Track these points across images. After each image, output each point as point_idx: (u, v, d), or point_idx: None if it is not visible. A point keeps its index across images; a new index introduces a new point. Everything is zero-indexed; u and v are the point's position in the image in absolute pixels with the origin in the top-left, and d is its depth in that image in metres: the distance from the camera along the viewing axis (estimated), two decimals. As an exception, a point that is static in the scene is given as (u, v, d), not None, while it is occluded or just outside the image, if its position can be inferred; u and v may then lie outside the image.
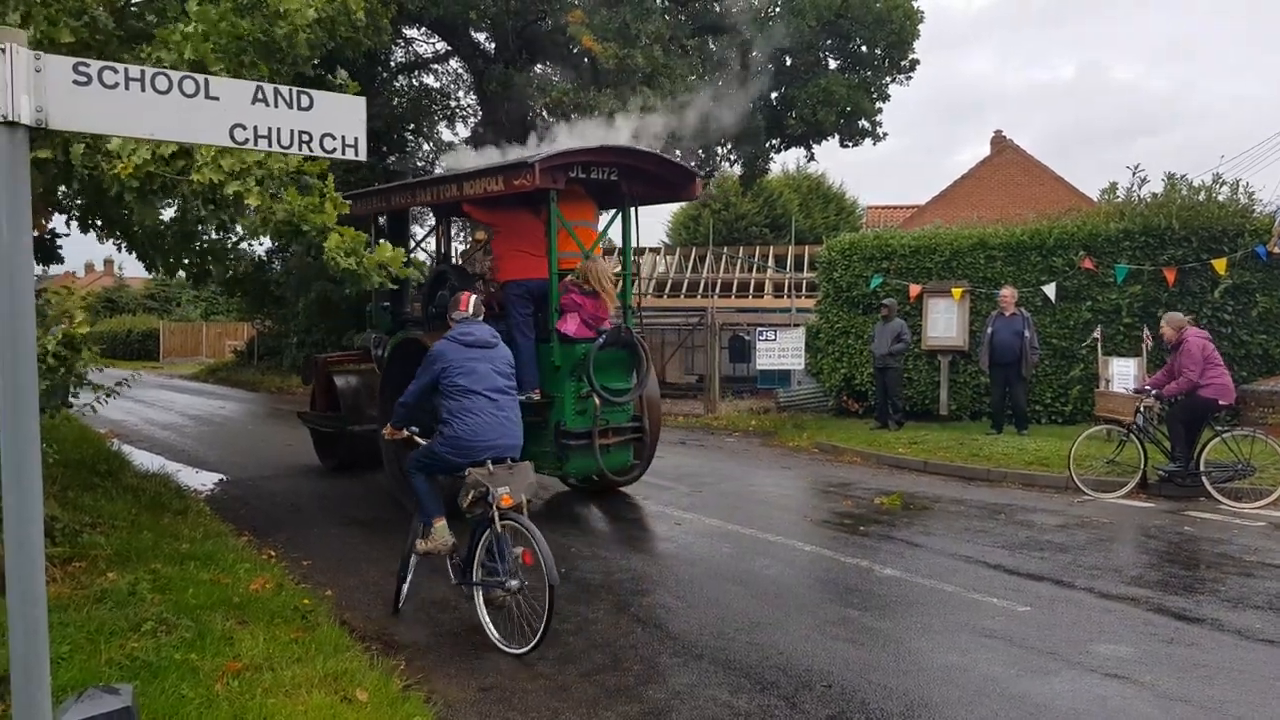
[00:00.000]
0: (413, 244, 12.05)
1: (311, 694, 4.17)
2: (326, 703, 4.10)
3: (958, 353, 14.53)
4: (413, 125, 21.87)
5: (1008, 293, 13.26)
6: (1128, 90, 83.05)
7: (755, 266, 24.64)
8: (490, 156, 10.73)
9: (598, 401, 8.46)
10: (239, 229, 6.23)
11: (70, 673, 4.09)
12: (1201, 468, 9.21)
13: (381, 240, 6.02)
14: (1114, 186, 15.23)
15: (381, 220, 11.53)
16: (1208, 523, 8.40)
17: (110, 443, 11.59)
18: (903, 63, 21.25)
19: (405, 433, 5.82)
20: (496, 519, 5.25)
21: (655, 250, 27.43)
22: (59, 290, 6.22)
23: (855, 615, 5.73)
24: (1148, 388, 9.62)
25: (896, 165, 73.24)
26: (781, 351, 16.41)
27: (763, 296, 23.12)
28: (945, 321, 14.61)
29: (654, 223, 77.63)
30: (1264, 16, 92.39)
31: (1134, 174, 14.78)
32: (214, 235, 6.75)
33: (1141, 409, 9.45)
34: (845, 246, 15.79)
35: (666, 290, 23.92)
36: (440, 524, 5.69)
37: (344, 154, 3.46)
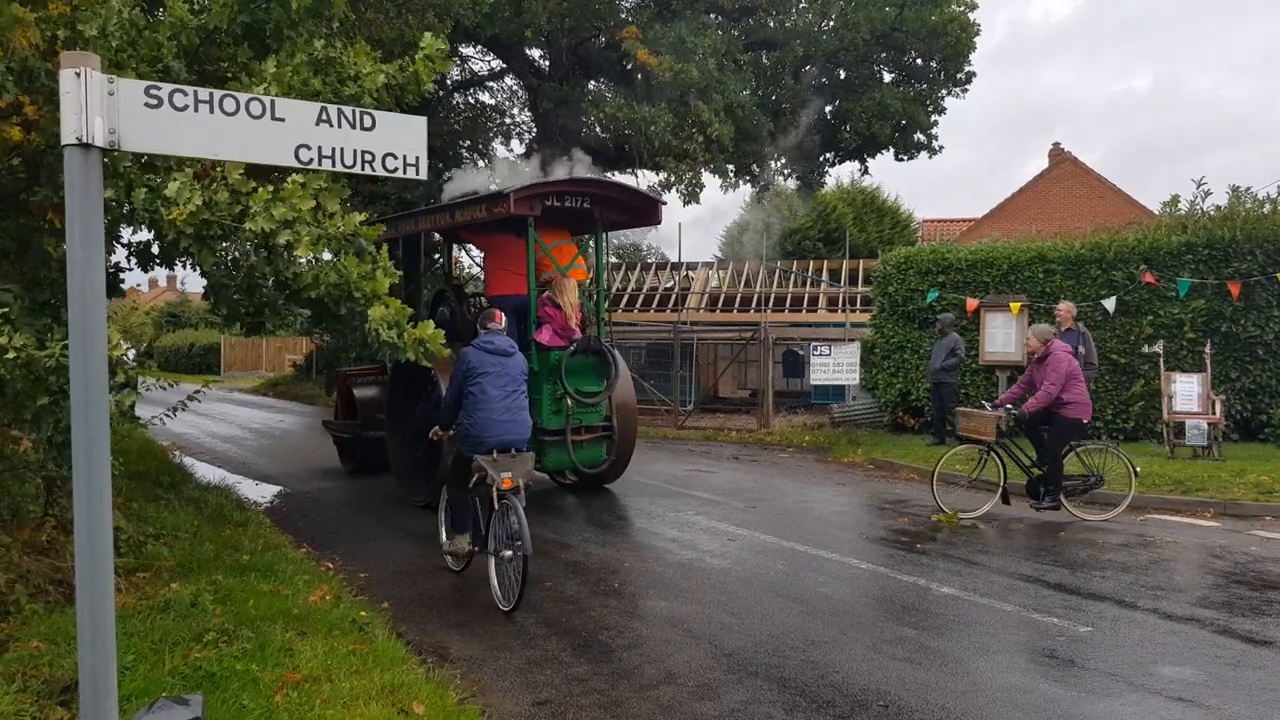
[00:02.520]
0: (423, 266, 12.57)
1: (369, 706, 4.23)
2: (383, 715, 4.16)
3: (1016, 368, 14.29)
4: (469, 142, 22.19)
5: (1065, 307, 13.01)
6: (1205, 103, 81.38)
7: (809, 281, 24.49)
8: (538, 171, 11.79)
9: (570, 402, 9.63)
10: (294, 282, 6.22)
11: (135, 682, 4.20)
12: (1046, 489, 9.16)
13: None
14: (1176, 199, 14.90)
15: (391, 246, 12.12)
16: (1273, 542, 8.14)
17: (173, 455, 11.90)
18: (958, 75, 21.07)
19: (451, 432, 6.86)
20: (495, 499, 6.28)
21: (708, 265, 27.41)
22: (123, 306, 6.40)
23: (912, 634, 5.65)
24: (1007, 405, 9.30)
25: (965, 179, 72.59)
26: (836, 366, 16.28)
27: (817, 311, 22.95)
28: (1003, 336, 14.37)
29: (708, 236, 77.59)
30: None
31: (1197, 186, 14.45)
32: (272, 289, 6.74)
33: (1001, 426, 9.23)
34: (901, 260, 15.65)
35: (720, 305, 23.87)
36: (462, 537, 6.89)
37: (405, 173, 3.53)
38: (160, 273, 65.69)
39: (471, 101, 23.43)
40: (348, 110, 3.37)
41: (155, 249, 6.35)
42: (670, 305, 23.39)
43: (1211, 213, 14.06)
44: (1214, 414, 11.88)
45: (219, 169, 4.93)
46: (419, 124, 3.54)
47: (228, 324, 7.13)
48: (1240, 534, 8.54)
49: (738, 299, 23.92)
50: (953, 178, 73.00)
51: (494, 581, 6.35)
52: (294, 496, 10.80)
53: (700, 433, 17.32)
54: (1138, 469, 9.35)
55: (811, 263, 26.27)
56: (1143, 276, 13.70)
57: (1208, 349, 12.58)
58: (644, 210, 10.71)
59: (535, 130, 21.73)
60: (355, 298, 5.22)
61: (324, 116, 3.28)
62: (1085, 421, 9.21)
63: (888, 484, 11.67)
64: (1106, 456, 9.45)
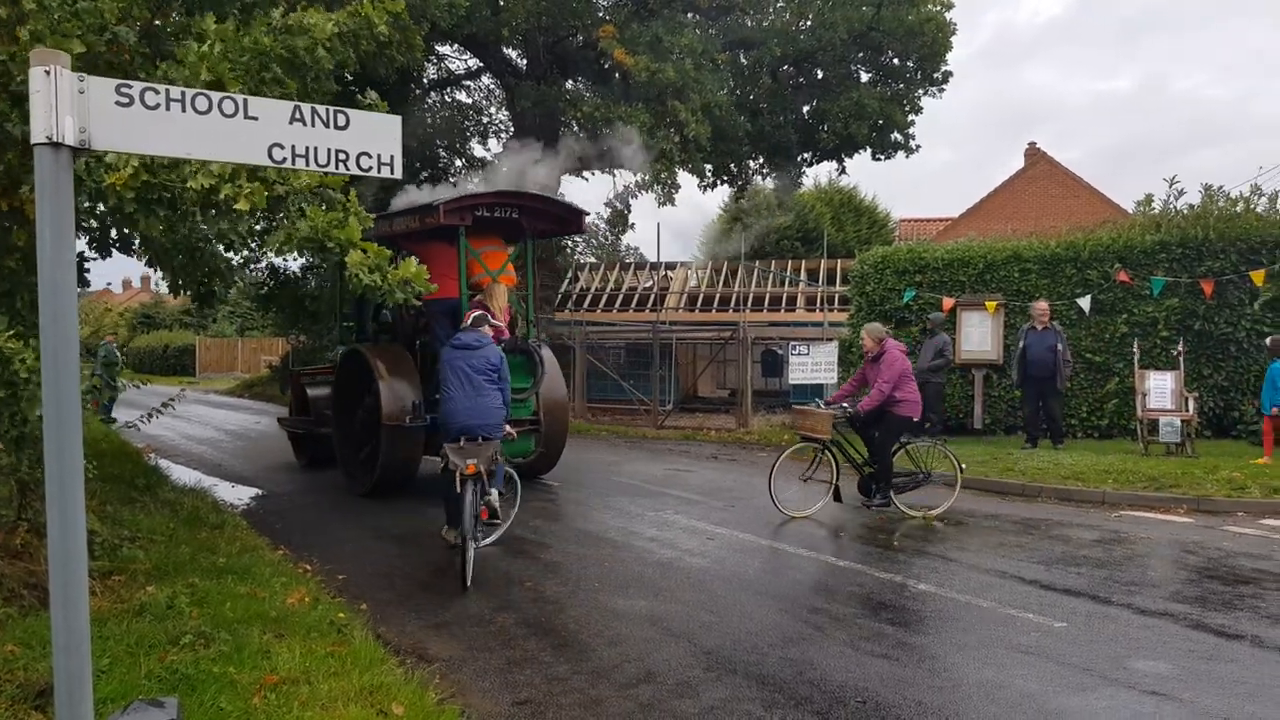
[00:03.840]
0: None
1: (348, 707, 4.21)
2: (362, 716, 4.14)
3: (992, 366, 14.41)
4: (446, 142, 22.10)
5: (1041, 306, 13.14)
6: (1187, 103, 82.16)
7: (787, 280, 24.57)
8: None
9: None
10: (246, 247, 6.14)
11: (110, 685, 4.16)
12: (878, 485, 9.29)
13: (409, 256, 6.04)
14: (1150, 199, 15.10)
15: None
16: (1244, 538, 8.25)
17: (148, 458, 11.78)
18: (935, 75, 21.17)
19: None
20: (457, 482, 6.78)
21: (687, 265, 27.43)
22: (95, 306, 6.33)
23: (890, 630, 5.68)
24: (842, 403, 9.36)
25: (947, 178, 72.93)
26: (814, 365, 16.32)
27: (795, 310, 23.03)
28: (979, 335, 14.50)
29: (686, 236, 77.72)
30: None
31: (1170, 186, 14.62)
32: (222, 253, 6.67)
33: (836, 425, 9.28)
34: (878, 260, 15.73)
35: (698, 304, 23.92)
36: (452, 531, 7.34)
37: (380, 172, 3.51)
38: (135, 273, 65.03)
39: (448, 100, 23.34)
40: (321, 109, 3.35)
41: (106, 221, 6.23)
42: (649, 305, 23.41)
43: (1184, 212, 14.24)
44: (1187, 411, 12.03)
45: None
46: (394, 122, 3.52)
47: (174, 292, 7.07)
48: (1213, 530, 8.65)
49: (716, 299, 23.96)
50: (934, 177, 73.52)
51: (469, 561, 6.76)
52: (271, 498, 10.73)
53: (679, 432, 17.34)
54: (964, 466, 9.59)
55: (790, 262, 26.36)
56: (1117, 275, 13.85)
57: (1181, 347, 12.73)
58: (568, 220, 11.64)
59: (513, 130, 21.68)
60: (329, 247, 5.15)
61: (298, 115, 3.25)
62: (915, 419, 9.32)
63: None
64: (934, 454, 9.60)
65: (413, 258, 5.58)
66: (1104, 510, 9.65)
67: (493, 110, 23.51)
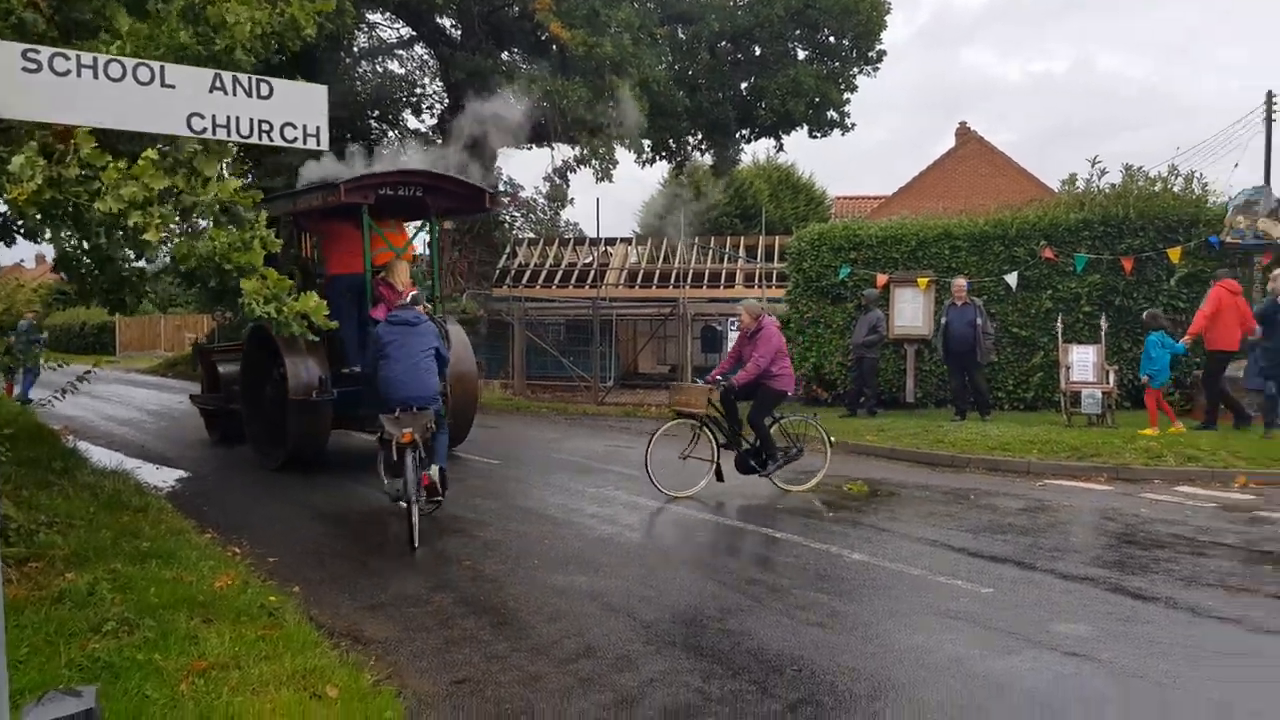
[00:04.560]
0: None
1: (280, 691, 4.14)
2: (295, 700, 4.07)
3: (923, 341, 14.68)
4: (377, 113, 21.67)
5: (959, 283, 13.44)
6: (1116, 85, 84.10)
7: (726, 257, 24.68)
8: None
9: None
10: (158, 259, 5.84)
11: (29, 676, 4.03)
12: (764, 458, 9.22)
13: (307, 291, 5.77)
14: (1074, 178, 15.46)
15: None
16: (1160, 504, 8.57)
17: (66, 440, 11.41)
18: (870, 54, 21.37)
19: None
20: (394, 450, 7.18)
21: (626, 240, 27.38)
22: (8, 282, 6.06)
23: (825, 600, 5.78)
24: (717, 377, 9.33)
25: (885, 156, 73.75)
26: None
27: (734, 286, 23.15)
28: (911, 311, 14.76)
29: (626, 212, 77.52)
30: (1246, 14, 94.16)
31: (1093, 166, 15.02)
32: (133, 261, 6.32)
33: (712, 400, 9.19)
34: (814, 237, 15.88)
35: (638, 280, 23.90)
36: (397, 481, 7.47)
37: (305, 143, 3.43)
38: (49, 249, 62.53)
39: (379, 70, 22.85)
40: (243, 77, 3.25)
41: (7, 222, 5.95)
42: (589, 281, 23.32)
43: (1106, 191, 14.63)
44: (1108, 383, 12.41)
45: (74, 139, 4.34)
46: (319, 92, 3.44)
47: (83, 301, 6.76)
48: (1131, 497, 8.96)
49: (656, 275, 23.97)
50: (873, 156, 74.40)
51: (415, 525, 7.11)
52: (197, 480, 10.49)
53: (620, 408, 17.37)
54: (833, 439, 9.79)
55: (729, 239, 26.48)
56: (1042, 252, 14.20)
57: (1103, 322, 13.12)
58: (474, 199, 11.66)
59: (447, 101, 21.33)
60: (226, 270, 4.90)
61: (218, 84, 3.16)
62: (789, 394, 9.40)
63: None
64: (807, 428, 9.70)
65: (313, 292, 5.37)
66: (1029, 479, 9.93)
67: (426, 81, 23.09)
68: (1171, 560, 6.62)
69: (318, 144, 3.46)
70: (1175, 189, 14.28)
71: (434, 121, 22.28)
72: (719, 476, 9.19)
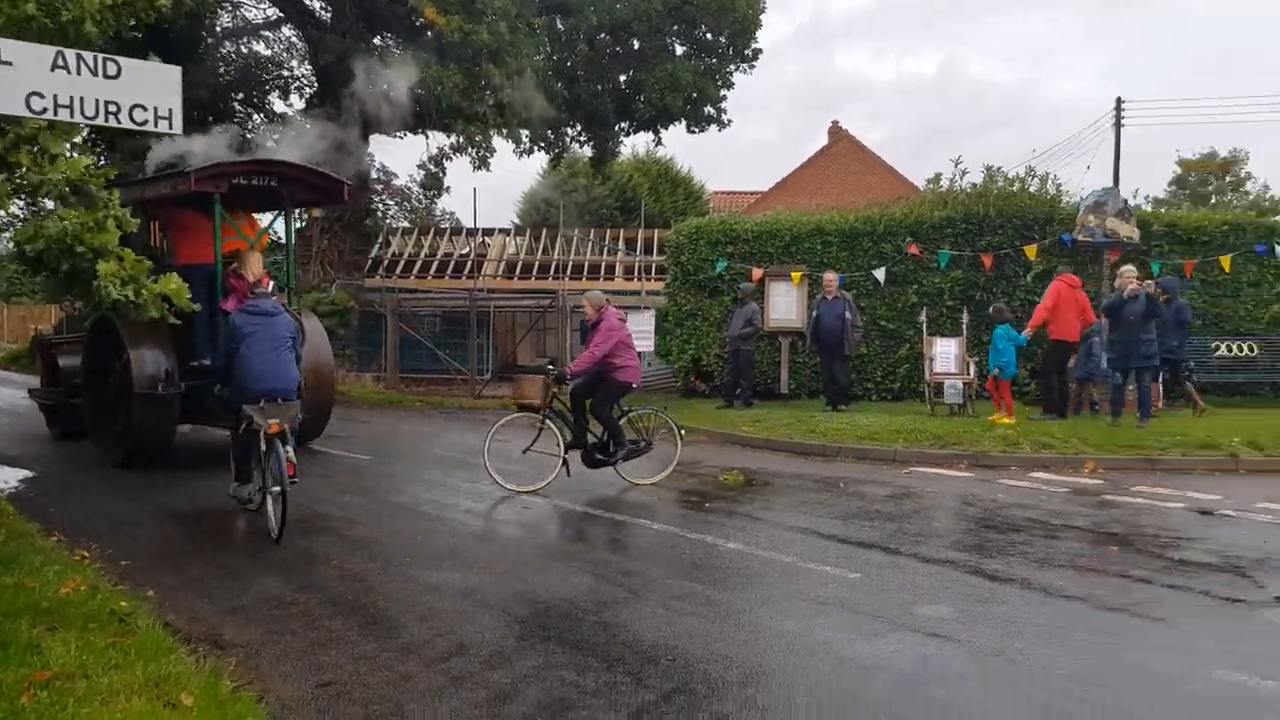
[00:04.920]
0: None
1: (131, 701, 3.91)
2: (147, 709, 3.86)
3: (797, 334, 15.05)
4: (242, 95, 20.77)
5: (829, 278, 13.85)
6: (983, 87, 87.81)
7: (606, 249, 24.72)
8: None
9: None
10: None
11: None
12: (613, 449, 9.10)
13: (169, 272, 5.46)
14: (938, 177, 16.12)
15: None
16: (1017, 489, 9.03)
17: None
18: (746, 51, 21.71)
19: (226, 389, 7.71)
20: (262, 441, 7.13)
21: (505, 231, 27.09)
22: None
23: (700, 589, 5.85)
24: (548, 367, 9.35)
25: (763, 153, 75.14)
26: (632, 334, 16.53)
27: (613, 279, 23.22)
28: (785, 304, 15.11)
29: (503, 203, 76.69)
30: (1101, 26, 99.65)
31: (956, 165, 15.69)
32: None
33: (555, 392, 9.04)
34: (692, 230, 16.07)
35: (517, 272, 23.69)
36: (245, 487, 7.77)
37: (157, 126, 3.24)
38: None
39: (245, 51, 21.89)
40: (89, 56, 3.04)
41: None
42: (466, 272, 22.97)
43: (968, 190, 15.31)
44: (969, 375, 13.00)
45: None
46: (172, 73, 3.26)
47: None
48: (990, 483, 9.41)
49: (535, 266, 23.81)
50: (753, 152, 75.79)
51: (270, 514, 7.11)
52: (41, 481, 9.83)
53: (498, 401, 17.16)
54: (684, 431, 9.70)
55: (609, 231, 26.53)
56: (909, 249, 14.75)
57: (964, 315, 13.73)
58: (330, 190, 11.50)
59: (316, 85, 20.61)
60: (79, 253, 4.59)
61: (60, 62, 2.95)
62: (633, 385, 9.25)
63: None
64: (656, 420, 9.62)
65: (174, 274, 5.12)
66: (896, 467, 10.31)
67: (294, 64, 22.25)
68: (1026, 543, 6.97)
69: (170, 127, 3.27)
70: (1032, 189, 15.06)
71: (302, 105, 21.49)
72: (567, 470, 8.96)
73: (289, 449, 7.05)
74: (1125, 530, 7.40)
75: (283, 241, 13.07)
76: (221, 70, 20.06)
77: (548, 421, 8.99)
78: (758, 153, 75.21)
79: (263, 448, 7.20)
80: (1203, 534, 7.27)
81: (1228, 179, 43.57)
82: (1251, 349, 14.68)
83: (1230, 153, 43.07)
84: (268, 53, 22.16)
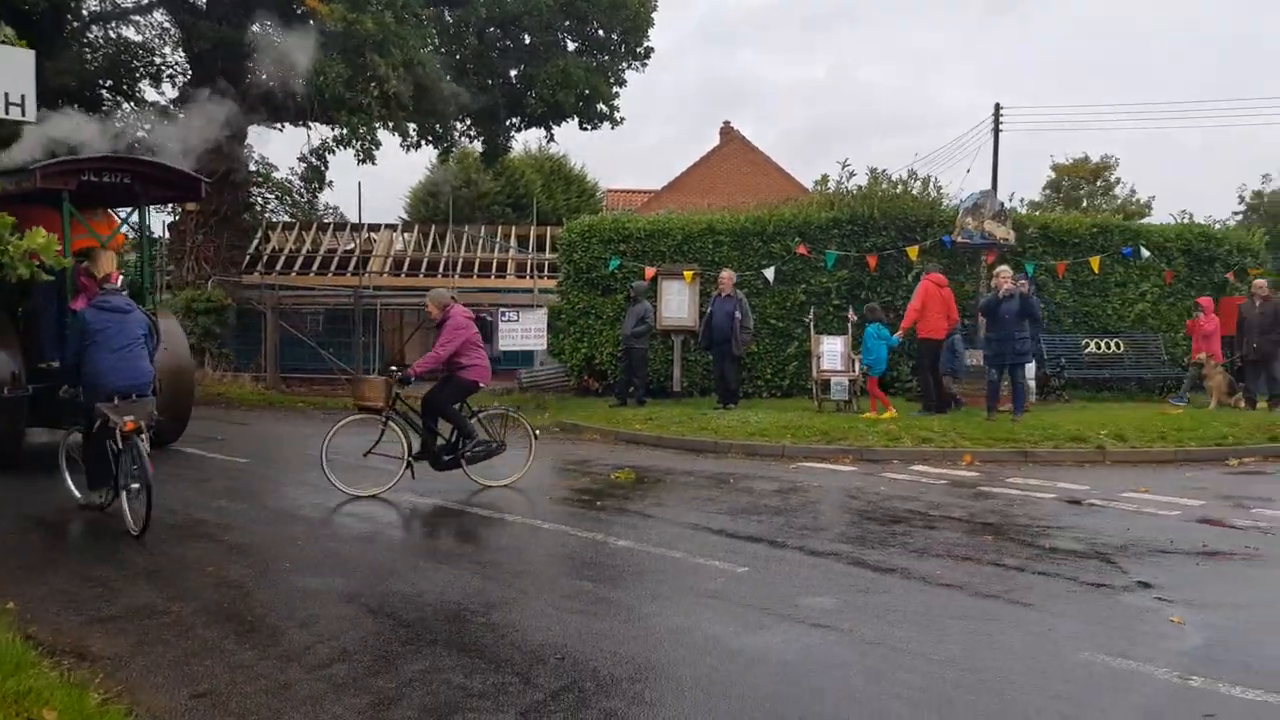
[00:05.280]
0: None
1: (-16, 720, 3.67)
2: (1, 728, 3.63)
3: (689, 333, 15.20)
4: (110, 83, 19.74)
5: (725, 275, 14.04)
6: (873, 92, 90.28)
7: (497, 246, 24.46)
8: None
9: None
10: None
11: None
12: (462, 446, 8.90)
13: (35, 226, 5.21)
14: (825, 179, 16.54)
15: None
16: (898, 482, 9.33)
17: None
18: (638, 49, 21.79)
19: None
20: (119, 439, 7.01)
21: (392, 227, 26.51)
22: None
23: (590, 588, 5.84)
24: (391, 368, 9.13)
25: (659, 151, 75.51)
26: (524, 332, 16.44)
27: (505, 277, 23.01)
28: (678, 303, 15.24)
29: (390, 197, 75.13)
30: (982, 36, 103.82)
31: (843, 168, 16.12)
32: None
33: (397, 392, 8.79)
34: (585, 229, 16.05)
35: (405, 269, 23.22)
36: (96, 492, 7.66)
37: (9, 113, 3.05)
38: None
39: (114, 37, 20.80)
40: (-72, 30, 2.82)
41: None
42: (351, 269, 22.41)
43: (854, 192, 15.74)
44: (854, 372, 13.37)
45: None
46: (25, 57, 3.06)
47: None
48: (873, 476, 9.69)
49: (424, 263, 23.40)
50: (650, 151, 76.24)
51: (126, 512, 7.06)
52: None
53: (384, 401, 16.79)
54: (537, 432, 9.51)
55: (500, 228, 26.27)
56: (797, 249, 15.07)
57: (850, 314, 14.10)
58: (186, 187, 11.40)
59: (191, 73, 19.75)
60: None
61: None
62: (481, 385, 9.06)
63: (572, 445, 11.99)
64: (508, 421, 9.41)
65: (39, 228, 4.88)
66: (784, 463, 10.52)
67: (167, 51, 21.25)
68: (906, 534, 7.21)
69: (23, 114, 3.09)
70: (914, 192, 15.59)
71: (176, 94, 20.57)
72: (411, 473, 8.74)
73: (145, 445, 6.99)
74: (1000, 520, 7.72)
75: (155, 238, 12.61)
76: (89, 56, 19.02)
77: (390, 423, 8.70)
78: (658, 152, 75.77)
79: (119, 446, 7.10)
80: (1072, 523, 7.66)
81: (1098, 183, 46.03)
82: (1118, 346, 15.56)
83: (1101, 158, 45.53)
84: (139, 38, 21.11)
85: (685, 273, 15.07)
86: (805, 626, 5.12)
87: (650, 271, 15.17)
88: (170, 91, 21.18)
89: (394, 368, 8.93)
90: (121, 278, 8.16)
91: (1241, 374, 14.49)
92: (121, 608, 5.51)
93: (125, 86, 20.32)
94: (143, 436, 7.02)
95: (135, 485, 6.98)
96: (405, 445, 8.72)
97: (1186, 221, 17.43)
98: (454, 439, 8.90)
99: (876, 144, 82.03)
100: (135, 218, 11.35)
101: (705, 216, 16.14)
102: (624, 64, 21.95)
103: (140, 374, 7.45)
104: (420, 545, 7.03)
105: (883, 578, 6.06)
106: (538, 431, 9.38)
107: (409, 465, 8.72)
